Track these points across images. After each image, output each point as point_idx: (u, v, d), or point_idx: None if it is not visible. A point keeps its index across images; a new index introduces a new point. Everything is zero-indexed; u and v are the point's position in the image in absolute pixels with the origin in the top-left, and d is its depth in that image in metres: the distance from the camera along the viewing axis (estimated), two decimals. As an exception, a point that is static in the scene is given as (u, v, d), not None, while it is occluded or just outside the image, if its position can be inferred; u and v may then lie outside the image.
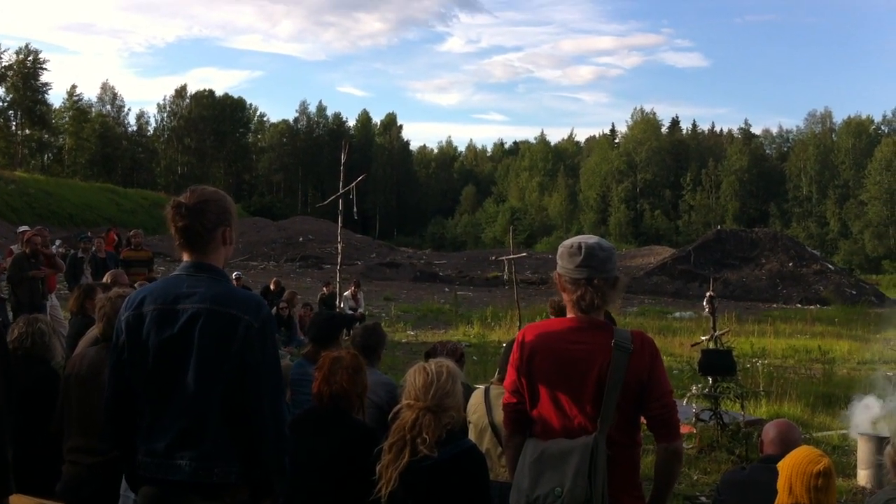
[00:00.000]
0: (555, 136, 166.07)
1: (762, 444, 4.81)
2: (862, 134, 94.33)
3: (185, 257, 3.30)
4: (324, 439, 4.13)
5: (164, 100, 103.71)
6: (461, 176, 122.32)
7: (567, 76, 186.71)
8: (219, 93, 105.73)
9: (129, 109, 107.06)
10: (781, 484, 3.84)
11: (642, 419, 3.38)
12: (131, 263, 14.25)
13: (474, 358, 14.41)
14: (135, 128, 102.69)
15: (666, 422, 3.28)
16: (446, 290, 35.70)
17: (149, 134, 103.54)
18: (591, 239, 3.40)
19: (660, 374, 3.30)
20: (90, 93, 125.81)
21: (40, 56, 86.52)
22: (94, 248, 15.31)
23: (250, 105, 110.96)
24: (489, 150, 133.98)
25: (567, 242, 3.43)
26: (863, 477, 8.19)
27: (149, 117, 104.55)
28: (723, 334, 9.91)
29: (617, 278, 3.39)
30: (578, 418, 3.26)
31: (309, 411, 4.40)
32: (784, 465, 3.86)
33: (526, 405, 3.41)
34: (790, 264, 43.39)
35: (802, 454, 3.86)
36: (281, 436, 3.21)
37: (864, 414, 9.16)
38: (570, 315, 3.41)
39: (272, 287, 19.80)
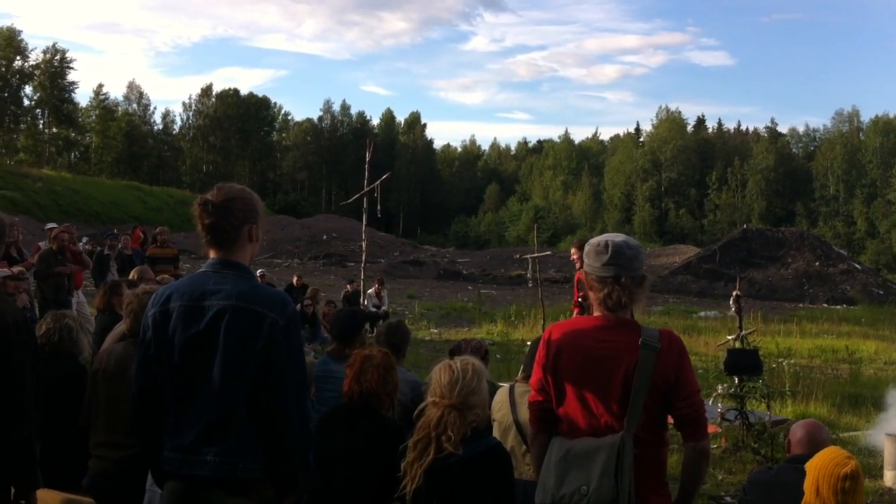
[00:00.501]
0: (579, 135, 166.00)
1: (789, 444, 4.77)
2: (890, 133, 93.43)
3: (212, 254, 3.31)
4: (353, 436, 4.14)
5: (190, 99, 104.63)
6: (485, 175, 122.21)
7: (592, 75, 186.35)
8: (244, 92, 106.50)
9: (155, 108, 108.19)
10: (808, 485, 3.80)
11: (669, 418, 3.36)
12: (157, 260, 14.34)
13: (498, 356, 14.39)
14: (160, 126, 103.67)
15: (693, 421, 3.26)
16: (470, 288, 35.69)
17: (174, 133, 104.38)
18: (618, 237, 3.38)
19: (687, 373, 3.28)
20: (116, 92, 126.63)
21: (67, 55, 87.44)
22: (120, 245, 15.43)
23: (275, 104, 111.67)
24: (513, 148, 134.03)
25: (594, 241, 3.42)
26: (890, 478, 8.11)
27: (174, 116, 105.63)
28: (749, 334, 9.83)
29: (644, 277, 3.37)
30: (605, 417, 3.24)
31: (339, 408, 4.41)
32: (811, 467, 3.83)
33: (552, 403, 3.40)
34: (816, 264, 43.02)
35: (830, 456, 3.82)
36: (306, 432, 3.22)
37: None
38: (596, 313, 3.40)
39: (295, 283, 19.89)
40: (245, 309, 3.15)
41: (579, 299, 9.72)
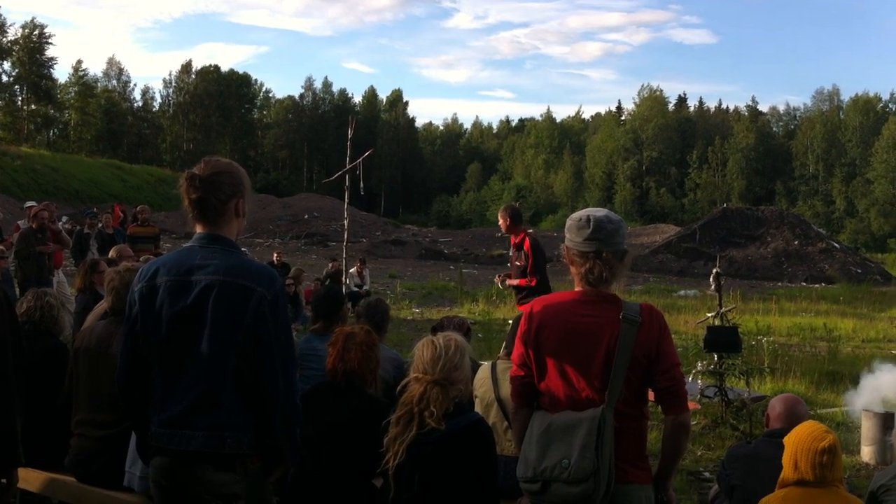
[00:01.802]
0: (561, 113, 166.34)
1: (768, 419, 4.82)
2: (869, 112, 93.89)
3: (199, 229, 3.31)
4: (337, 413, 4.15)
5: (170, 75, 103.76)
6: (467, 153, 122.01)
7: (574, 53, 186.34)
8: (224, 68, 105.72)
9: (135, 85, 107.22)
10: (787, 459, 3.85)
11: (650, 392, 3.39)
12: (138, 239, 14.28)
13: (479, 335, 14.42)
14: (140, 104, 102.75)
15: (674, 394, 3.29)
16: (451, 267, 35.73)
17: (154, 110, 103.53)
18: (599, 212, 3.39)
19: (668, 347, 3.31)
20: (96, 68, 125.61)
21: (46, 31, 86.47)
22: (100, 224, 15.34)
23: (256, 81, 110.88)
24: (495, 127, 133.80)
25: (575, 215, 3.43)
26: (866, 453, 8.21)
27: (154, 93, 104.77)
28: (728, 311, 9.91)
29: (625, 251, 3.39)
30: (586, 391, 3.27)
31: (322, 385, 4.43)
32: (790, 441, 3.87)
33: (534, 378, 3.42)
34: (796, 243, 43.33)
35: (808, 430, 3.86)
36: (293, 407, 3.23)
37: (874, 392, 9.22)
38: (577, 288, 3.41)
39: (275, 261, 19.83)
40: (233, 283, 3.16)
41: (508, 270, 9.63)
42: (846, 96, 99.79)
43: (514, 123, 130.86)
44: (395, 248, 44.76)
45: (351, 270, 19.37)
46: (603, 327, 3.27)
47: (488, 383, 4.98)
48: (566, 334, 3.32)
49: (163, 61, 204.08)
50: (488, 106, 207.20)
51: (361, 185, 12.55)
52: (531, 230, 9.54)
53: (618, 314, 3.27)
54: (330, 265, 20.70)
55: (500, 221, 9.51)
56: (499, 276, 10.11)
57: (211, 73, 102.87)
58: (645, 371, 3.28)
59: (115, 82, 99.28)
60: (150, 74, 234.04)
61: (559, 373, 3.33)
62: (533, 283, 9.13)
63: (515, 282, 9.40)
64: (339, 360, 4.27)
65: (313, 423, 3.99)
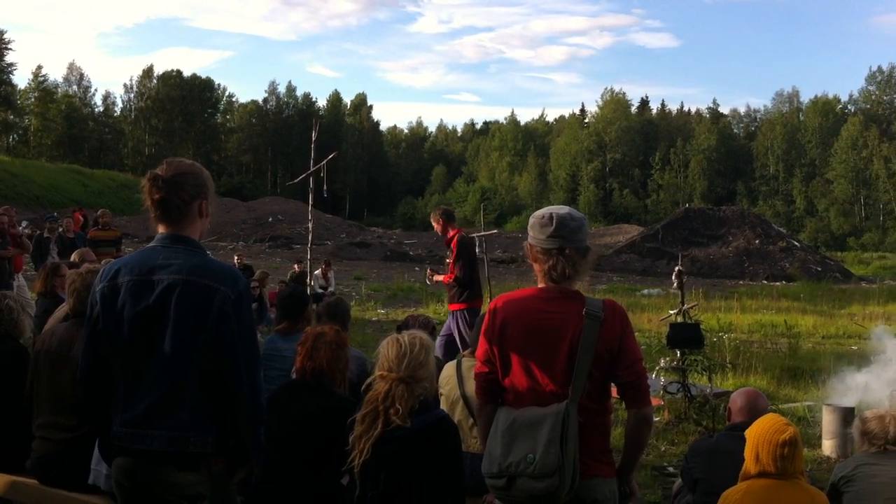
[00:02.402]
0: (525, 116, 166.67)
1: (730, 413, 4.88)
2: (828, 113, 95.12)
3: (161, 230, 3.29)
4: (305, 412, 4.15)
5: (131, 80, 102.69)
6: (431, 156, 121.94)
7: (539, 56, 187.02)
8: (188, 73, 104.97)
9: (96, 90, 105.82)
10: (748, 451, 3.90)
11: (613, 389, 3.42)
12: (99, 243, 14.12)
13: (445, 335, 14.43)
14: (101, 109, 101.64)
15: (636, 388, 3.32)
16: (416, 269, 35.69)
17: (116, 115, 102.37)
18: (562, 209, 3.42)
19: (630, 342, 3.34)
20: (56, 73, 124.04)
21: (5, 36, 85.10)
22: (61, 229, 15.16)
23: (219, 85, 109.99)
24: (460, 130, 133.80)
25: (538, 213, 3.45)
26: (828, 447, 8.32)
27: (115, 98, 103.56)
28: (691, 308, 10.01)
29: (588, 248, 3.41)
30: (550, 386, 3.29)
31: (291, 384, 4.42)
32: (751, 433, 3.92)
33: (498, 374, 3.44)
34: (757, 242, 43.84)
35: (769, 422, 3.92)
36: (257, 406, 3.22)
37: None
38: (541, 285, 3.44)
39: (236, 263, 19.67)
40: (196, 283, 3.15)
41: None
42: (806, 98, 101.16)
43: (478, 126, 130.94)
44: (360, 251, 44.65)
45: (316, 272, 19.29)
46: (566, 323, 3.29)
47: (453, 381, 5.00)
48: (530, 330, 3.34)
49: (125, 66, 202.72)
50: (453, 109, 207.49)
51: (325, 187, 12.49)
52: (465, 231, 9.60)
53: (581, 310, 3.29)
54: (295, 267, 20.60)
55: (434, 224, 9.59)
56: (429, 270, 10.18)
57: (173, 77, 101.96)
58: (608, 366, 3.30)
59: (75, 87, 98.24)
60: (113, 80, 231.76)
61: (523, 369, 3.35)
62: (451, 279, 9.21)
63: (440, 277, 9.52)
64: (307, 358, 4.27)
65: (281, 423, 3.98)
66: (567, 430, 3.17)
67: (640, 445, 3.47)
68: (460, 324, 9.10)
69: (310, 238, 14.18)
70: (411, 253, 44.93)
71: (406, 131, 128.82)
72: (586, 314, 3.27)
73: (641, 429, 3.39)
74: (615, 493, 3.38)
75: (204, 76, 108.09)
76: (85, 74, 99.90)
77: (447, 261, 9.48)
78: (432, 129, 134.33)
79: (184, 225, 3.27)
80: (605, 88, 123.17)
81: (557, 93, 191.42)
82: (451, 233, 9.41)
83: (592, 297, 3.44)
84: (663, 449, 8.28)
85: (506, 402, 3.41)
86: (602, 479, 3.32)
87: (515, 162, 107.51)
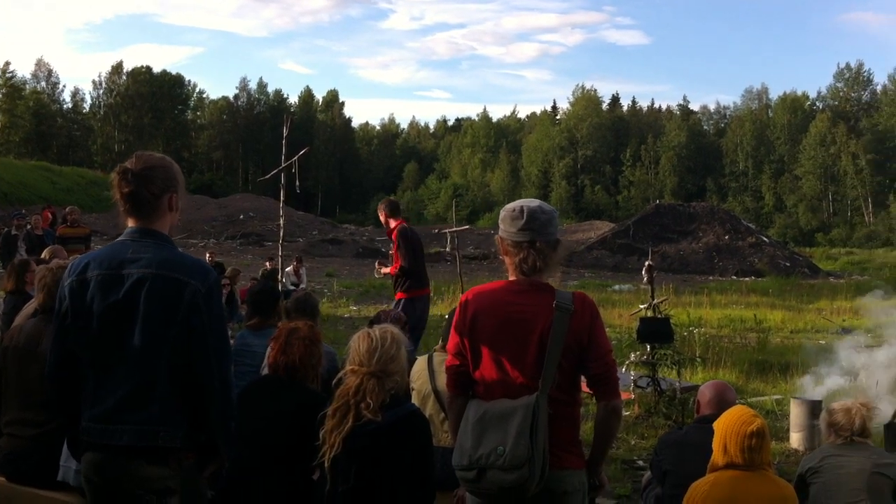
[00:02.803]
0: (497, 112, 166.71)
1: (698, 406, 4.92)
2: (797, 110, 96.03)
3: (131, 223, 3.27)
4: (278, 407, 4.14)
5: (100, 77, 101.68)
6: (404, 153, 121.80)
7: (510, 53, 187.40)
8: (158, 69, 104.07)
9: (65, 86, 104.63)
10: (716, 443, 3.94)
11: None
12: (68, 240, 13.97)
13: (417, 332, 14.43)
14: (70, 105, 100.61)
15: (606, 380, 3.35)
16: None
17: (85, 111, 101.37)
18: (532, 202, 3.43)
19: (600, 334, 3.36)
20: (24, 70, 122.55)
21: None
22: (29, 226, 15.01)
23: (189, 82, 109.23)
24: (432, 127, 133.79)
25: (509, 206, 3.47)
26: (795, 440, 8.41)
27: (84, 94, 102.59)
28: (661, 302, 10.08)
29: (558, 241, 3.43)
30: (520, 378, 3.31)
31: (263, 379, 4.41)
32: (719, 425, 3.96)
33: (469, 367, 3.45)
34: (726, 237, 44.22)
35: (737, 414, 3.96)
36: (228, 401, 3.21)
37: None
38: (511, 278, 3.45)
39: (208, 260, 19.57)
40: (166, 277, 3.13)
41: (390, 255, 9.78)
42: (774, 95, 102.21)
43: (450, 123, 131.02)
44: (332, 247, 44.54)
45: (287, 269, 19.23)
46: (537, 315, 3.31)
47: (425, 375, 5.00)
48: (500, 323, 3.36)
49: (94, 63, 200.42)
50: (425, 106, 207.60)
51: (297, 182, 12.45)
52: (407, 223, 9.70)
53: (551, 302, 3.31)
54: (266, 264, 20.54)
55: (380, 216, 9.70)
56: (378, 263, 10.26)
57: (142, 74, 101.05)
58: (577, 358, 3.32)
59: (44, 84, 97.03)
60: (82, 76, 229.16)
61: (494, 361, 3.37)
62: (394, 271, 9.34)
63: (387, 270, 9.61)
64: (281, 353, 4.26)
65: (252, 418, 3.97)
66: (537, 422, 3.18)
67: (609, 437, 3.50)
68: (411, 310, 9.12)
69: (281, 235, 14.14)
70: (383, 250, 44.73)
71: (378, 128, 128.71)
72: (556, 306, 3.29)
73: (611, 421, 3.41)
74: (584, 485, 3.40)
75: (174, 72, 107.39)
76: (53, 71, 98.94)
77: (390, 253, 9.53)
78: (404, 125, 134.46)
79: (153, 219, 3.25)
80: (577, 85, 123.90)
81: (529, 90, 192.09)
82: (393, 224, 9.49)
83: (563, 289, 3.46)
84: (633, 443, 8.34)
85: (476, 395, 3.42)
86: (571, 471, 3.34)
87: (487, 158, 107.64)
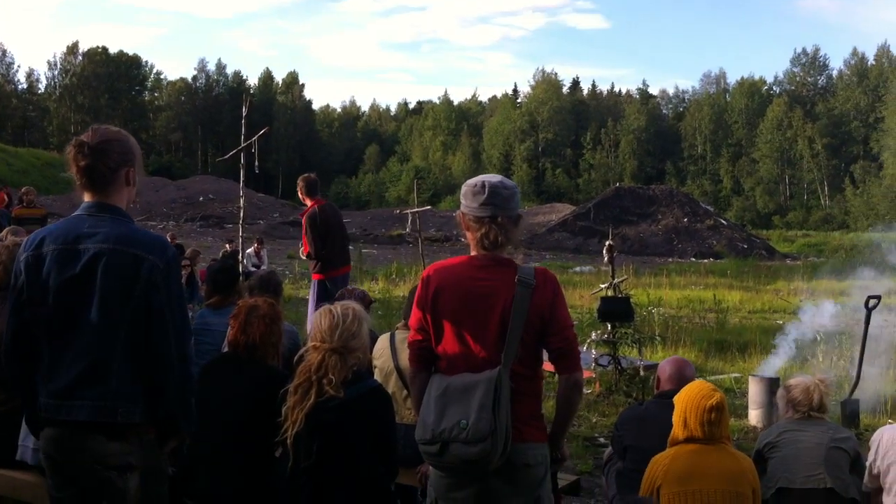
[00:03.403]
0: (458, 95, 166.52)
1: (658, 381, 4.96)
2: (754, 94, 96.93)
3: (87, 198, 3.22)
4: (238, 384, 4.11)
5: (55, 57, 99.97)
6: (365, 135, 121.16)
7: (471, 36, 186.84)
8: (114, 50, 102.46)
9: (19, 67, 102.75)
10: (677, 417, 3.97)
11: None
12: (23, 221, 13.78)
13: (379, 312, 14.45)
14: (25, 86, 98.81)
15: (567, 354, 3.37)
16: (350, 247, 35.52)
17: (40, 92, 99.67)
18: (494, 178, 3.43)
19: (561, 309, 3.38)
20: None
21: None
22: (-17, 207, 14.77)
23: (146, 63, 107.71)
24: (393, 109, 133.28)
25: (471, 181, 3.46)
26: (754, 417, 8.54)
27: (39, 75, 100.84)
28: (621, 282, 10.17)
29: (520, 216, 3.44)
30: (483, 353, 3.31)
31: (223, 357, 4.37)
32: (679, 399, 3.99)
33: (431, 342, 3.45)
34: (685, 220, 44.68)
35: (696, 389, 4.00)
36: (187, 376, 3.20)
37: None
38: (473, 253, 3.45)
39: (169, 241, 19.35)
40: (123, 252, 3.09)
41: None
42: (732, 79, 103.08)
43: (411, 106, 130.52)
44: (293, 230, 44.23)
45: (248, 250, 19.12)
46: (499, 290, 3.32)
47: (387, 353, 5.00)
48: (463, 298, 3.36)
49: (50, 43, 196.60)
50: (386, 88, 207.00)
51: (256, 163, 12.35)
52: (326, 202, 9.69)
53: (513, 277, 3.32)
54: (227, 246, 20.37)
55: (299, 193, 9.70)
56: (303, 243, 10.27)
57: (99, 54, 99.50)
58: (539, 332, 3.34)
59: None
60: (37, 56, 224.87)
61: (456, 336, 3.37)
62: (304, 253, 9.47)
63: (303, 252, 9.69)
64: (241, 332, 4.22)
65: (213, 395, 3.94)
66: (499, 396, 3.19)
67: (571, 410, 3.52)
68: (318, 293, 9.28)
69: (241, 216, 14.02)
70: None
71: (339, 110, 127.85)
72: (518, 281, 3.30)
73: (572, 394, 3.43)
74: (546, 458, 3.42)
75: (131, 53, 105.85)
76: (7, 51, 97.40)
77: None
78: (365, 108, 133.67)
79: (110, 193, 3.21)
80: (537, 69, 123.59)
81: (490, 72, 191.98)
82: (309, 203, 9.51)
83: (524, 265, 3.46)
84: (594, 420, 8.41)
85: (439, 370, 3.43)
86: (534, 444, 3.35)
87: (449, 141, 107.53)
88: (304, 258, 9.91)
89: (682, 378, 4.67)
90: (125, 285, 3.07)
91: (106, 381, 3.06)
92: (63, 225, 3.21)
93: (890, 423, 5.68)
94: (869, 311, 8.68)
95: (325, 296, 8.86)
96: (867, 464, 4.48)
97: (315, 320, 3.87)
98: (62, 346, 3.10)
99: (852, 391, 8.32)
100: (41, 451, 3.23)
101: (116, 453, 3.09)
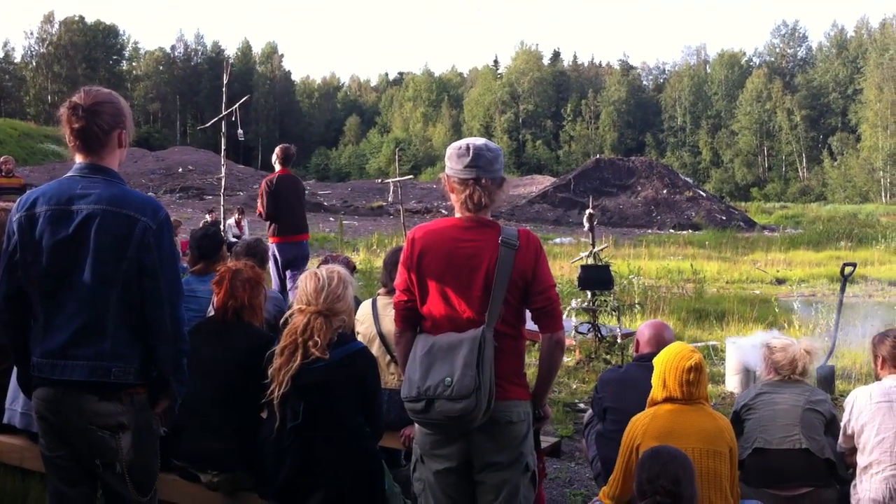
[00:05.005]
0: (439, 67, 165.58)
1: (637, 344, 5.03)
2: (734, 66, 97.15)
3: (80, 159, 3.24)
4: (225, 346, 4.16)
5: (31, 26, 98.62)
6: (345, 107, 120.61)
7: (453, 6, 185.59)
8: (92, 19, 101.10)
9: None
10: (656, 379, 4.04)
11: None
12: (3, 190, 13.74)
13: (361, 283, 14.48)
14: (1, 55, 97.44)
15: (549, 313, 3.44)
16: (331, 219, 35.48)
17: (16, 62, 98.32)
18: (478, 140, 3.47)
19: (544, 269, 3.44)
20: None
21: None
22: (-39, 177, 14.64)
23: (123, 32, 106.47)
24: (373, 81, 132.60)
25: (455, 144, 3.51)
26: (731, 382, 8.65)
27: (14, 45, 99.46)
28: (601, 250, 10.25)
29: (503, 179, 3.49)
30: (467, 312, 3.38)
31: (209, 321, 4.41)
32: (658, 361, 4.06)
33: (416, 302, 3.51)
34: (664, 191, 44.81)
35: (675, 350, 4.06)
36: (179, 337, 3.23)
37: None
38: (458, 215, 3.51)
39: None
40: (116, 213, 3.12)
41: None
42: (712, 52, 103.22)
43: (392, 77, 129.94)
44: (273, 202, 44.05)
45: (229, 221, 19.08)
46: (483, 251, 3.38)
47: (370, 319, 5.03)
48: (448, 259, 3.41)
49: (26, 12, 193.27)
50: (366, 60, 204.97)
51: (240, 130, 12.36)
52: (290, 173, 10.52)
53: (497, 238, 3.38)
54: (207, 217, 20.33)
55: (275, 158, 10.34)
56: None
57: (76, 23, 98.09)
58: (522, 292, 3.40)
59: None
60: (13, 26, 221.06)
61: (441, 296, 3.43)
62: (258, 213, 10.19)
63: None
64: (229, 296, 4.24)
65: (201, 358, 3.98)
66: (483, 354, 3.25)
67: (553, 368, 3.58)
68: (276, 256, 9.99)
69: (222, 185, 14.01)
70: (326, 203, 44.57)
71: (319, 81, 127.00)
72: (502, 242, 3.36)
73: (555, 351, 3.51)
74: (529, 415, 3.49)
75: (108, 22, 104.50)
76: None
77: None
78: (345, 79, 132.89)
79: (103, 154, 3.23)
80: (518, 41, 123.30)
81: (471, 44, 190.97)
82: (278, 171, 10.24)
83: (508, 226, 3.52)
84: (574, 387, 8.51)
85: (424, 330, 3.49)
86: (517, 402, 3.43)
87: (429, 113, 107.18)
88: (259, 218, 10.46)
89: (660, 341, 4.74)
90: (118, 246, 3.10)
91: (100, 341, 3.10)
92: (56, 185, 3.23)
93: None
94: (845, 278, 8.80)
95: (283, 259, 9.86)
96: (842, 424, 4.57)
97: (300, 283, 3.91)
98: (55, 306, 3.13)
99: (828, 357, 8.44)
100: (34, 412, 3.27)
101: (109, 413, 3.13)
